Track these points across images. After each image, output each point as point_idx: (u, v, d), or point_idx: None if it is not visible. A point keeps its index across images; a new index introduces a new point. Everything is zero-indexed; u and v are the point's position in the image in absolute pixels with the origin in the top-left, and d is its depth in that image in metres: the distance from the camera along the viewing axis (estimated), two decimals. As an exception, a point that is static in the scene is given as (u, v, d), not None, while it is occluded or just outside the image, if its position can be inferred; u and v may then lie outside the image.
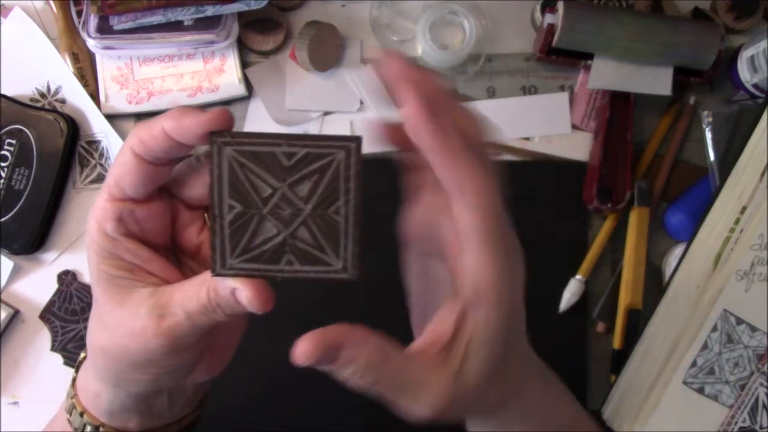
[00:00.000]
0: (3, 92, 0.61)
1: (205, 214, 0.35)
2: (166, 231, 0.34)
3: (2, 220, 0.59)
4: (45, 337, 0.61)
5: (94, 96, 0.62)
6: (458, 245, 0.29)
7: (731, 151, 0.58)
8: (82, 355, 0.39)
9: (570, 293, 0.59)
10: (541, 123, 0.61)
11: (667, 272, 0.59)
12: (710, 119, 0.60)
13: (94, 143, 0.62)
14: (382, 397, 0.31)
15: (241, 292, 0.30)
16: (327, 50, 0.60)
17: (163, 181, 0.33)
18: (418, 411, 0.31)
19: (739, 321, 0.53)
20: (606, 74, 0.58)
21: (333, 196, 0.29)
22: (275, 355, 0.62)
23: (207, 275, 0.30)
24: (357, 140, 0.29)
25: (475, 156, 0.29)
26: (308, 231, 0.29)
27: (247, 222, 0.29)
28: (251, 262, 0.30)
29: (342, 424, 0.61)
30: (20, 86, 0.62)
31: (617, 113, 0.59)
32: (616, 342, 0.59)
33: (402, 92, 0.30)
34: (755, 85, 0.58)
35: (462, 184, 0.29)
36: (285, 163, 0.29)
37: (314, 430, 0.61)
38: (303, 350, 0.29)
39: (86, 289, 0.61)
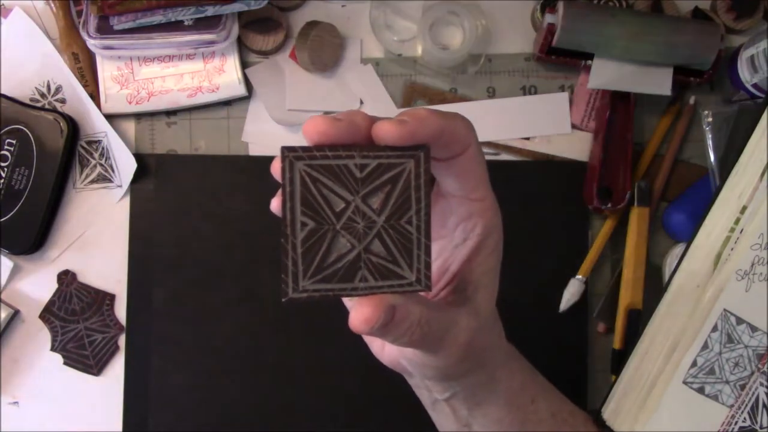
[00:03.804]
0: (3, 92, 0.61)
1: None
2: None
3: (2, 220, 0.59)
4: (45, 337, 0.61)
5: (94, 96, 0.62)
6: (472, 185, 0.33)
7: (731, 151, 0.58)
8: None
9: (570, 293, 0.59)
10: (541, 123, 0.61)
11: (667, 272, 0.59)
12: (710, 119, 0.60)
13: (94, 143, 0.62)
14: (421, 350, 0.33)
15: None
16: (327, 50, 0.60)
17: None
18: (446, 358, 0.34)
19: (740, 321, 0.53)
20: (606, 74, 0.58)
21: (405, 206, 0.29)
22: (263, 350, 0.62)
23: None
24: (425, 149, 0.28)
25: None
26: (382, 244, 0.29)
27: (320, 239, 0.28)
28: (325, 282, 0.28)
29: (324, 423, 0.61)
30: (20, 86, 0.62)
31: (617, 113, 0.59)
32: (616, 342, 0.59)
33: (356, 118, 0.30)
34: (755, 85, 0.58)
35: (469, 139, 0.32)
36: (358, 174, 0.28)
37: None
38: (368, 315, 0.28)
39: (86, 289, 0.61)
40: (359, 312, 0.28)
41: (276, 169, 0.28)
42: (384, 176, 0.28)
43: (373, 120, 0.29)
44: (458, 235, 0.35)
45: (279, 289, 0.28)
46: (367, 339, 0.38)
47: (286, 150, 0.27)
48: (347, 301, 0.36)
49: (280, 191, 0.28)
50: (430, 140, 0.29)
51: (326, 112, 0.62)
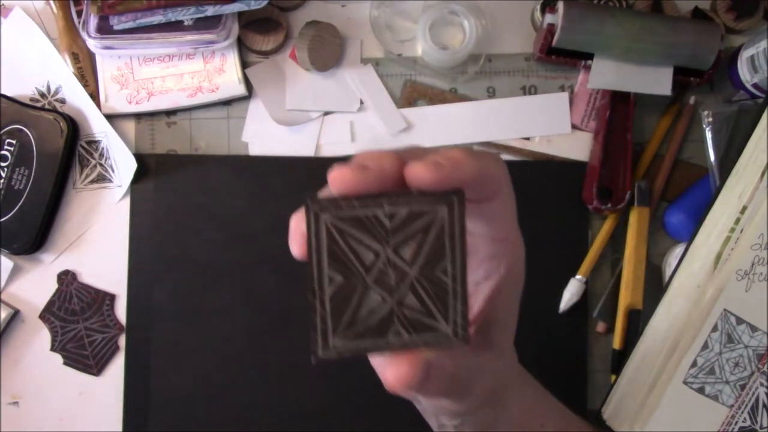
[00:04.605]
0: (3, 92, 0.61)
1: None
2: None
3: (2, 220, 0.59)
4: (45, 337, 0.61)
5: (94, 96, 0.62)
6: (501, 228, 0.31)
7: (731, 151, 0.58)
8: None
9: (570, 293, 0.59)
10: (541, 123, 0.61)
11: (667, 272, 0.59)
12: (710, 119, 0.60)
13: (94, 143, 0.62)
14: (447, 399, 0.32)
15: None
16: (327, 50, 0.60)
17: None
18: (470, 403, 0.32)
19: (740, 321, 0.53)
20: (606, 74, 0.58)
21: (439, 255, 0.27)
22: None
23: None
24: (459, 194, 0.27)
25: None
26: (415, 296, 0.27)
27: (349, 294, 0.27)
28: (357, 339, 0.27)
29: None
30: (20, 86, 0.62)
31: (617, 113, 0.59)
32: (616, 342, 0.59)
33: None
34: (755, 85, 0.58)
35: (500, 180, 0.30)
36: (387, 224, 0.26)
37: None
38: (405, 374, 0.27)
39: (86, 289, 0.61)
40: (395, 371, 0.27)
41: (298, 221, 0.27)
42: (416, 224, 0.26)
43: (403, 160, 0.27)
44: (480, 273, 0.33)
45: (308, 347, 0.26)
46: (376, 364, 0.36)
47: (311, 202, 0.26)
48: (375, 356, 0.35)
49: (296, 234, 0.27)
50: (464, 184, 0.27)
51: (326, 113, 0.62)
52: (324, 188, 0.28)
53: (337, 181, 0.26)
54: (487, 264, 0.33)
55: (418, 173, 0.26)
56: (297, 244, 0.27)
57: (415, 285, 0.27)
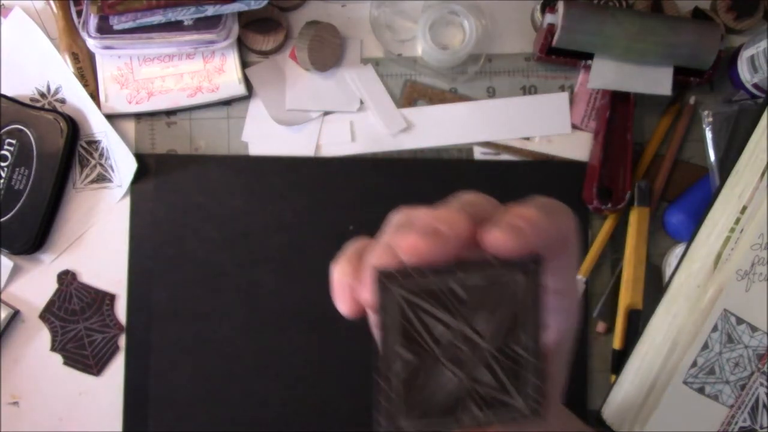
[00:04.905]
0: (3, 92, 0.61)
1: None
2: None
3: (2, 220, 0.59)
4: (45, 337, 0.61)
5: (94, 96, 0.62)
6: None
7: (731, 151, 0.58)
8: None
9: (570, 293, 0.59)
10: (541, 123, 0.61)
11: (667, 272, 0.59)
12: (710, 119, 0.60)
13: (94, 143, 0.62)
14: None
15: None
16: (327, 50, 0.60)
17: None
18: None
19: (740, 321, 0.53)
20: (606, 74, 0.58)
21: (513, 325, 0.25)
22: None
23: None
24: (537, 260, 0.25)
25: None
26: (489, 370, 0.25)
27: (420, 372, 0.25)
28: (426, 418, 0.25)
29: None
30: (20, 86, 0.62)
31: (617, 113, 0.59)
32: (616, 342, 0.59)
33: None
34: (755, 85, 0.58)
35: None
36: (461, 295, 0.24)
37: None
38: None
39: (86, 289, 0.61)
40: None
41: (343, 273, 0.25)
42: (490, 294, 0.24)
43: (475, 221, 0.25)
44: None
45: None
46: None
47: (381, 275, 0.24)
48: None
49: (344, 291, 0.25)
50: (542, 248, 0.25)
51: (326, 113, 0.62)
52: (379, 247, 0.26)
53: (410, 253, 0.24)
54: (547, 318, 0.31)
55: (496, 240, 0.24)
56: (346, 302, 0.25)
57: (488, 359, 0.25)
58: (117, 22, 0.58)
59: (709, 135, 0.60)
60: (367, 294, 0.25)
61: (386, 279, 0.24)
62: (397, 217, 0.27)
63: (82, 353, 0.61)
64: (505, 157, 0.61)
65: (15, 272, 0.61)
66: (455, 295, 0.24)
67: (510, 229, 0.24)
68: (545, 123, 0.61)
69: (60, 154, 0.60)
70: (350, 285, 0.25)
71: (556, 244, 0.26)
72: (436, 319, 0.24)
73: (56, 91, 0.62)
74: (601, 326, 0.60)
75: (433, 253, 0.24)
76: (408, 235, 0.24)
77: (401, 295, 0.24)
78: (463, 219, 0.24)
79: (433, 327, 0.24)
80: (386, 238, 0.26)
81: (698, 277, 0.54)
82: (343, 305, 0.26)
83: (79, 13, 0.61)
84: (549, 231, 0.25)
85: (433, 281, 0.24)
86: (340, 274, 0.26)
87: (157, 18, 0.58)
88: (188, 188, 0.62)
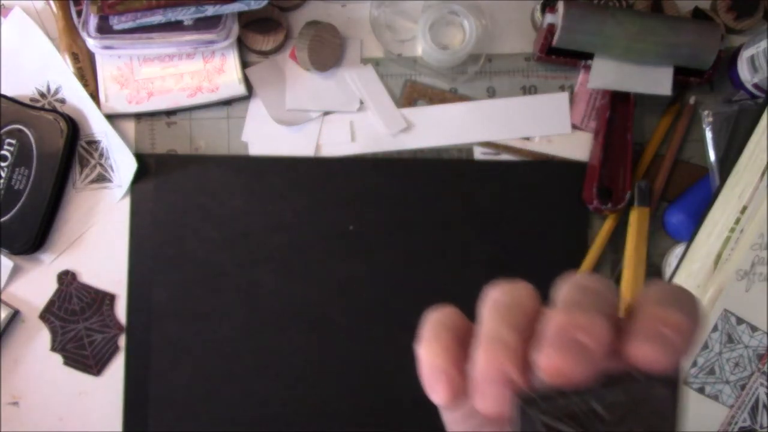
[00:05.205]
0: (3, 92, 0.61)
1: None
2: None
3: (2, 220, 0.59)
4: (45, 337, 0.61)
5: (94, 96, 0.62)
6: None
7: (731, 151, 0.58)
8: None
9: (570, 293, 0.59)
10: (541, 123, 0.61)
11: (667, 272, 0.59)
12: (710, 119, 0.60)
13: (94, 143, 0.62)
14: None
15: None
16: (327, 50, 0.60)
17: None
18: None
19: (740, 321, 0.53)
20: (606, 74, 0.58)
21: None
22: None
23: None
24: (679, 370, 0.23)
25: None
26: None
27: None
28: None
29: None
30: (20, 86, 0.62)
31: (617, 113, 0.59)
32: (616, 342, 0.59)
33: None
34: (755, 85, 0.58)
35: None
36: (602, 414, 0.22)
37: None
38: None
39: (86, 289, 0.61)
40: None
41: (433, 355, 0.24)
42: (631, 410, 0.22)
43: (618, 326, 0.22)
44: None
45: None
46: None
47: (521, 400, 0.22)
48: None
49: (438, 377, 0.23)
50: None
51: (326, 113, 0.62)
52: (499, 350, 0.23)
53: (553, 375, 0.21)
54: None
55: (646, 357, 0.21)
56: (443, 393, 0.23)
57: None
58: (117, 22, 0.58)
59: (709, 135, 0.60)
60: (484, 403, 0.23)
61: (526, 405, 0.22)
62: (504, 299, 0.24)
63: (82, 353, 0.61)
64: (505, 157, 0.61)
65: (15, 272, 0.61)
66: (596, 415, 0.22)
67: (661, 343, 0.22)
68: (545, 123, 0.61)
69: (60, 154, 0.60)
70: (448, 373, 0.23)
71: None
72: None
73: (56, 91, 0.62)
74: (601, 326, 0.60)
75: (581, 375, 0.21)
76: (548, 352, 0.21)
77: (542, 421, 0.22)
78: (606, 327, 0.22)
79: None
80: (497, 332, 0.23)
81: (698, 277, 0.54)
82: (437, 395, 0.24)
83: (79, 13, 0.61)
84: (693, 334, 0.23)
85: (574, 401, 0.22)
86: (432, 357, 0.24)
87: (157, 18, 0.58)
88: (188, 188, 0.62)
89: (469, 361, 0.23)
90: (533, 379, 0.22)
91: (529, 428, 0.22)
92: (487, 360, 0.23)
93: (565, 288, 0.24)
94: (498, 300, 0.24)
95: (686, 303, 0.23)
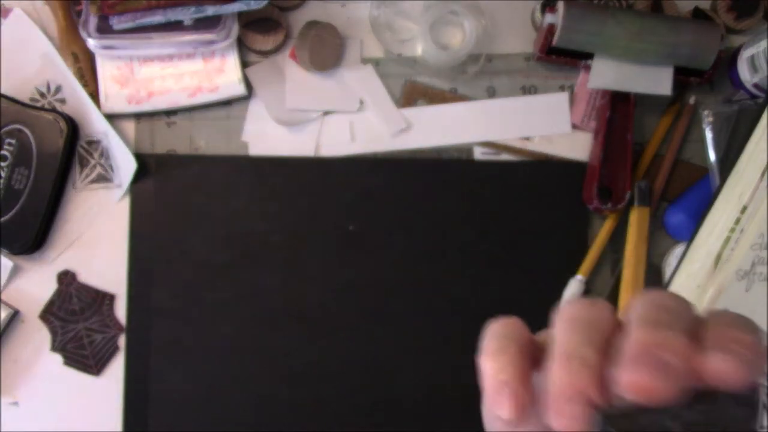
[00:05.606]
0: (3, 92, 0.61)
1: None
2: None
3: (2, 220, 0.59)
4: (45, 337, 0.61)
5: (94, 96, 0.61)
6: None
7: (731, 151, 0.58)
8: None
9: (570, 293, 0.59)
10: (541, 123, 0.61)
11: (667, 272, 0.59)
12: (710, 119, 0.60)
13: (94, 143, 0.62)
14: None
15: None
16: (327, 50, 0.60)
17: None
18: None
19: (739, 321, 0.53)
20: (606, 74, 0.58)
21: None
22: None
23: None
24: (756, 396, 0.22)
25: None
26: None
27: None
28: None
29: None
30: (20, 86, 0.62)
31: (617, 113, 0.59)
32: (616, 342, 0.59)
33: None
34: (755, 85, 0.58)
35: None
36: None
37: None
38: None
39: (86, 289, 0.61)
40: None
41: (500, 368, 0.23)
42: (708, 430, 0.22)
43: (698, 344, 0.22)
44: None
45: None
46: None
47: (603, 417, 0.21)
48: None
49: (507, 394, 0.23)
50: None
51: (326, 113, 0.62)
52: (576, 369, 0.22)
53: (636, 393, 0.21)
54: None
55: (724, 371, 0.21)
56: (509, 409, 0.23)
57: None
58: (117, 22, 0.58)
59: (709, 135, 0.60)
60: (560, 421, 0.22)
61: (606, 422, 0.21)
62: (582, 316, 0.24)
63: (82, 353, 0.61)
64: (505, 157, 0.61)
65: (15, 272, 0.61)
66: None
67: (737, 357, 0.21)
68: (545, 123, 0.61)
69: (60, 154, 0.60)
70: (515, 388, 0.23)
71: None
72: None
73: (56, 91, 0.62)
74: (601, 326, 0.60)
75: (664, 392, 0.21)
76: (632, 369, 0.21)
77: None
78: (688, 344, 0.21)
79: None
80: (575, 349, 0.23)
81: (698, 277, 0.54)
82: (504, 410, 0.23)
83: (79, 13, 0.61)
84: (765, 354, 0.22)
85: (652, 419, 0.21)
86: (498, 371, 0.23)
87: (157, 18, 0.58)
88: (188, 188, 0.62)
89: (536, 376, 0.23)
90: (610, 397, 0.22)
91: None
92: (566, 378, 0.22)
93: (641, 306, 0.24)
94: (576, 316, 0.24)
95: (752, 326, 0.23)
